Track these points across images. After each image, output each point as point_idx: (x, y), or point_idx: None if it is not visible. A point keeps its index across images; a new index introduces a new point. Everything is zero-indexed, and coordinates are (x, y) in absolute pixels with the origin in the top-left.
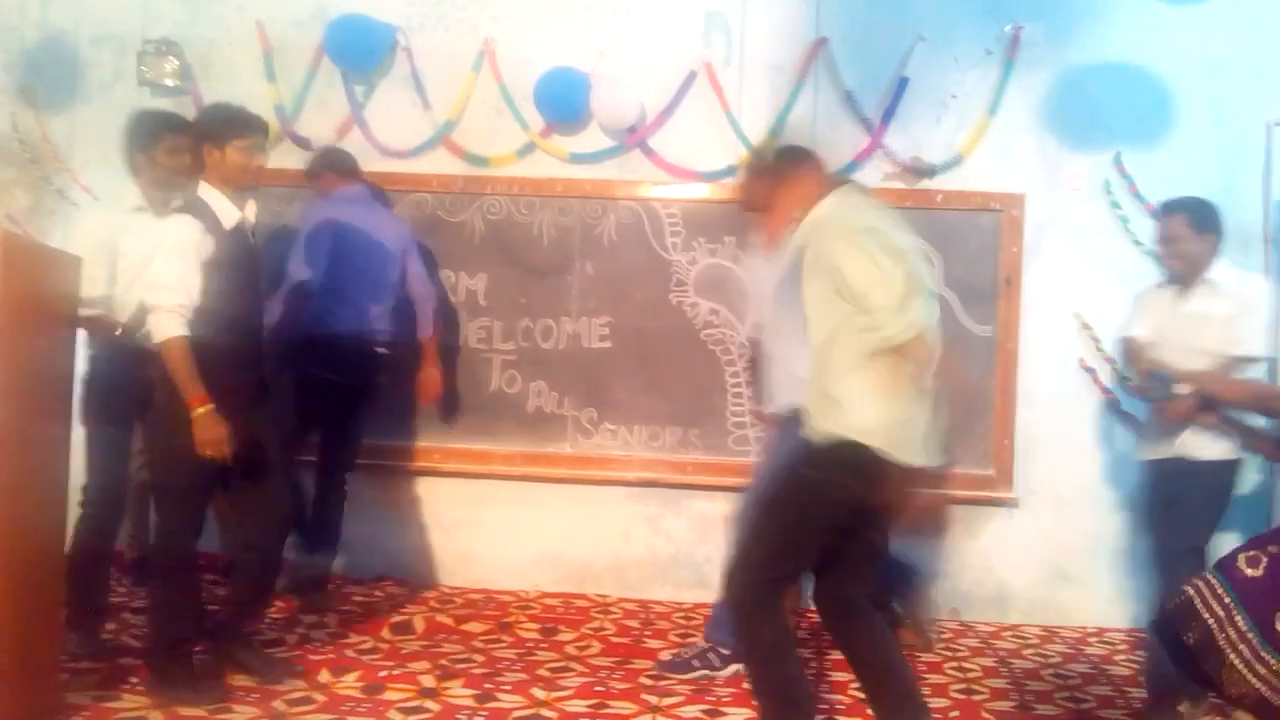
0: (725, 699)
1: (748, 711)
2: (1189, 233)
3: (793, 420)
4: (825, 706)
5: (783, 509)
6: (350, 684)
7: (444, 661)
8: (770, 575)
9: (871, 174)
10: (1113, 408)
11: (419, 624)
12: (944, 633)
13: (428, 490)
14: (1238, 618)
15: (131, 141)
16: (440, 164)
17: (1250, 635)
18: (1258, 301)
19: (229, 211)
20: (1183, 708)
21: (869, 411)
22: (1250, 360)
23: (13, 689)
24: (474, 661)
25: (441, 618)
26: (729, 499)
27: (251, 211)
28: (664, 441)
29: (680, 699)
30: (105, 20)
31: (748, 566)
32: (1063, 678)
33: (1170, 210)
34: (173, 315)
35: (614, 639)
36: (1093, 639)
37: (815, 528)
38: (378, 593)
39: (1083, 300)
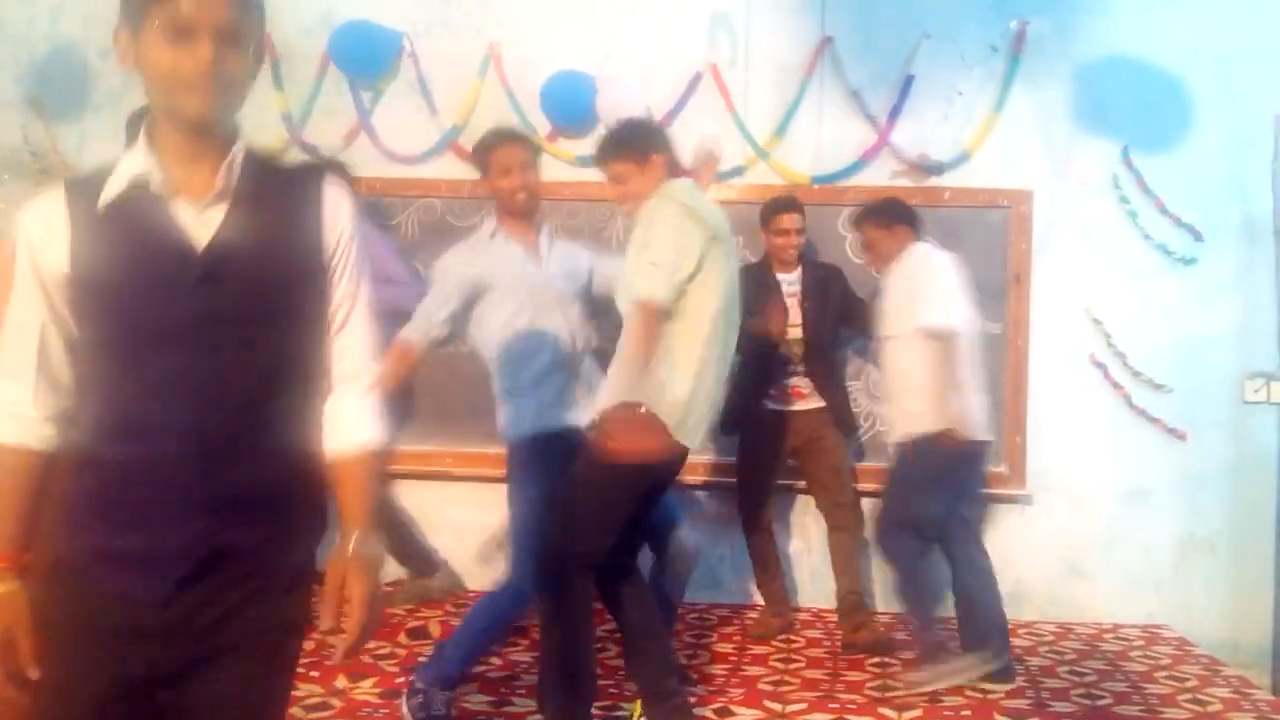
0: (736, 699)
1: (759, 712)
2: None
3: None
4: (836, 706)
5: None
6: (367, 690)
7: None
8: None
9: (879, 172)
10: (1125, 402)
11: (434, 629)
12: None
13: (441, 495)
14: None
15: None
16: (448, 169)
17: None
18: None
19: (133, 164)
20: None
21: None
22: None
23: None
24: (490, 665)
25: (457, 622)
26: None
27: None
28: None
29: (691, 700)
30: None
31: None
32: (1078, 674)
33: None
34: None
35: None
36: (1108, 635)
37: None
38: None
39: (1092, 295)
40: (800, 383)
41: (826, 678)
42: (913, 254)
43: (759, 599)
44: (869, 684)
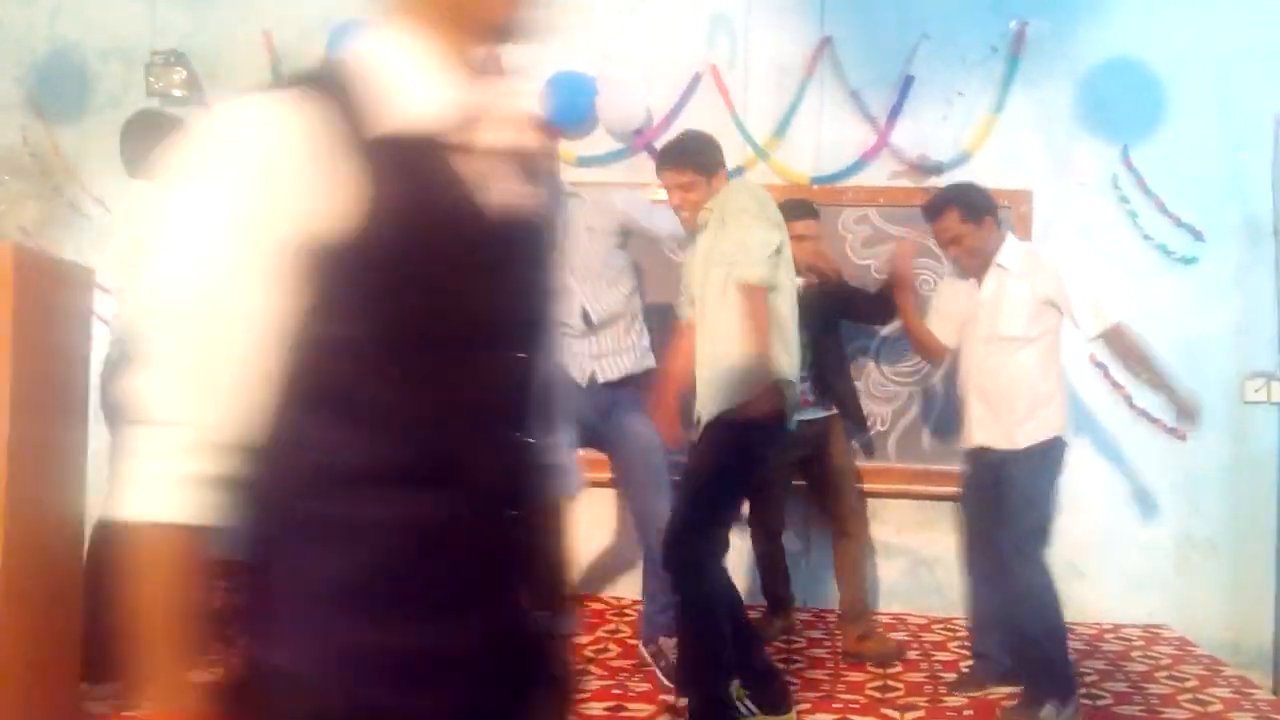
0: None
1: None
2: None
3: None
4: (839, 706)
5: None
6: None
7: None
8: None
9: (878, 172)
10: (1126, 402)
11: None
12: (959, 631)
13: None
14: None
15: None
16: None
17: None
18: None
19: (433, 83)
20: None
21: None
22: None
23: (30, 698)
24: None
25: None
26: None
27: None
28: None
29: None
30: (113, 33)
31: None
32: (1079, 674)
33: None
34: (150, 460)
35: (630, 641)
36: (1109, 635)
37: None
38: None
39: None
40: (805, 389)
41: (828, 678)
42: (1032, 250)
43: (760, 598)
44: (870, 685)
